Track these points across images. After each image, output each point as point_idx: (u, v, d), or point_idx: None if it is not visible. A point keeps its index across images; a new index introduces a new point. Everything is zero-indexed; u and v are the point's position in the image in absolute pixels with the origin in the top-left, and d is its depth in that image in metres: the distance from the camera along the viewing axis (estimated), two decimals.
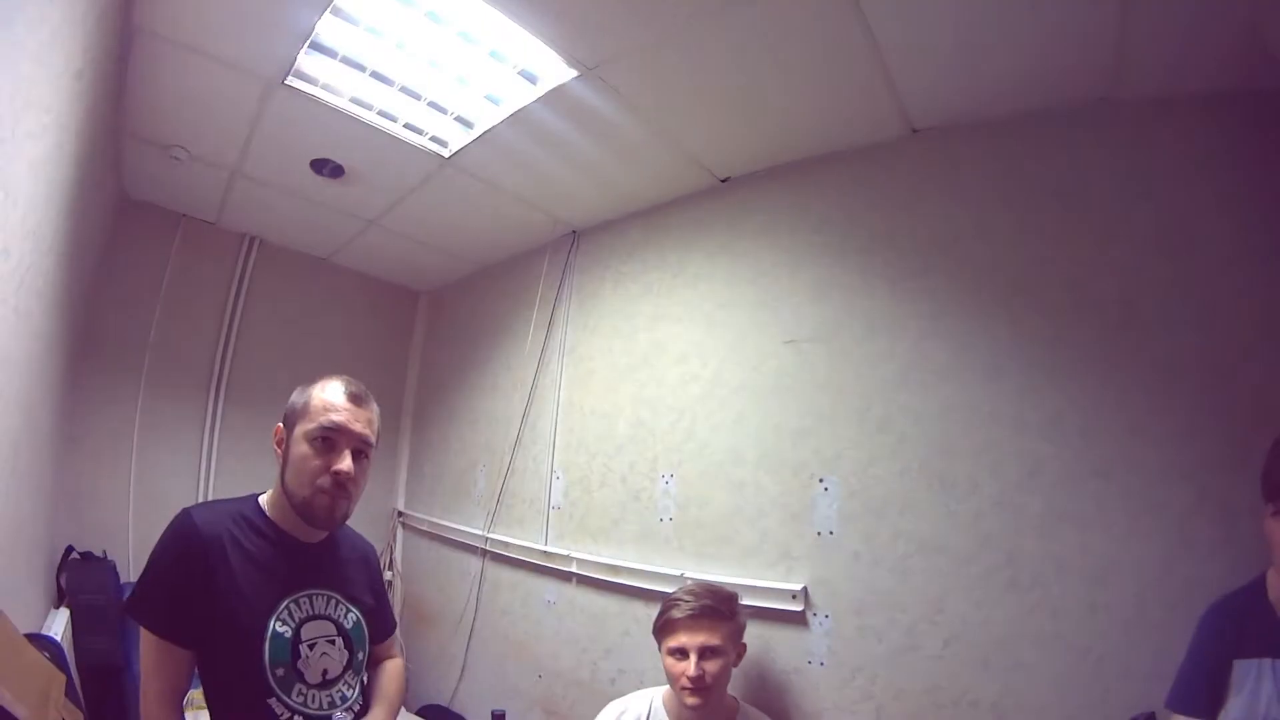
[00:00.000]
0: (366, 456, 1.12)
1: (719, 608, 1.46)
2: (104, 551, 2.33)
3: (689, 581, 1.62)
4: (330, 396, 1.09)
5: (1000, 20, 1.31)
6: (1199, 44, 1.26)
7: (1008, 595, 1.35)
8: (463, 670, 2.64)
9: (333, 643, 1.09)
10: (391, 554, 3.22)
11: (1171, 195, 1.33)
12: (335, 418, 1.07)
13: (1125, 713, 1.14)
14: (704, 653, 1.42)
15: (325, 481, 1.05)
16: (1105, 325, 1.35)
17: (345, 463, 1.07)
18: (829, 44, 1.45)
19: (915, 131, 1.69)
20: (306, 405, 1.09)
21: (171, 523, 1.04)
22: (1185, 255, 1.30)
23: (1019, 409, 1.41)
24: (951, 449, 1.47)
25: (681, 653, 1.44)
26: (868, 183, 1.76)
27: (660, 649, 1.51)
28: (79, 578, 2.19)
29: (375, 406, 1.16)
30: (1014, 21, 1.30)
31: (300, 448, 1.07)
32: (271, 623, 1.02)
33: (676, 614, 1.46)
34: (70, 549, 2.29)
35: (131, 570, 2.42)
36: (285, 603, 1.05)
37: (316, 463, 1.06)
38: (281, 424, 1.13)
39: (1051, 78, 1.44)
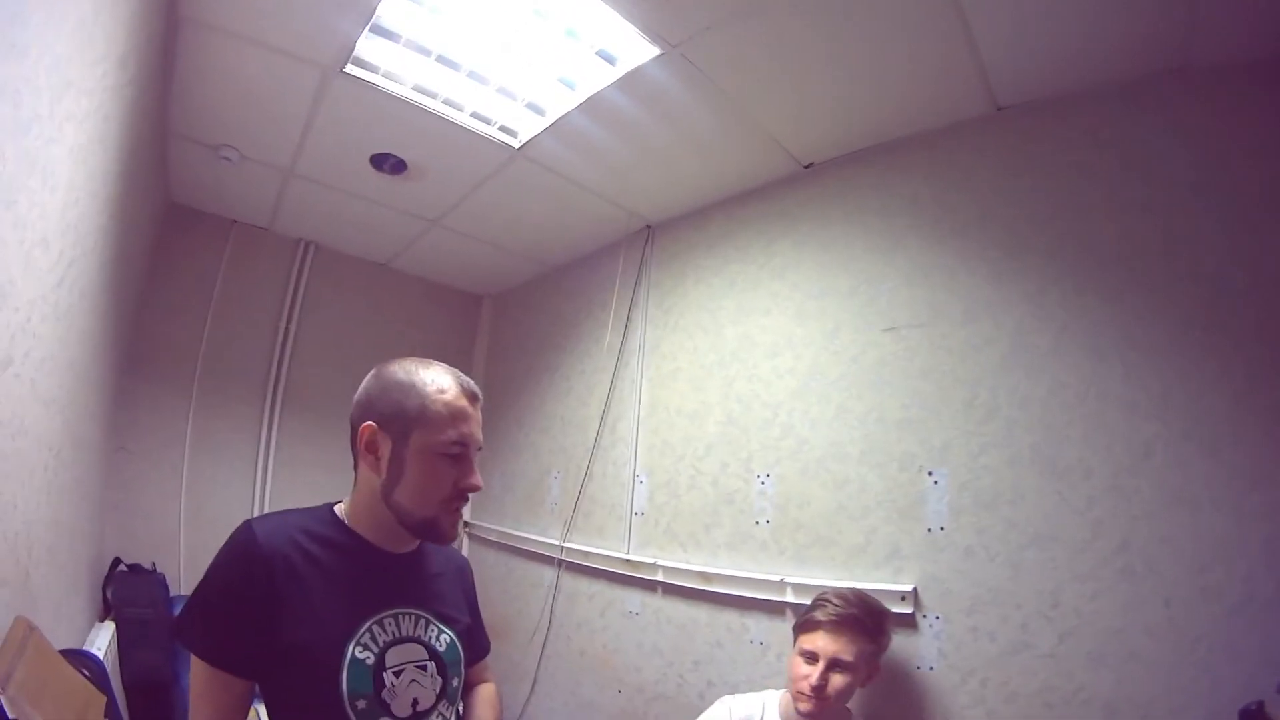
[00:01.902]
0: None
1: (865, 621, 1.57)
2: (153, 564, 2.60)
3: (846, 588, 1.70)
4: (453, 399, 1.06)
5: None
6: (1263, 6, 1.42)
7: (1121, 584, 1.48)
8: (534, 685, 2.92)
9: (423, 669, 1.07)
10: None
11: (1244, 165, 1.52)
12: (466, 430, 1.06)
13: (1234, 702, 1.22)
14: (834, 663, 1.53)
15: (457, 500, 1.06)
16: (1199, 298, 1.53)
17: (477, 477, 1.07)
18: (918, 16, 1.61)
19: (1000, 109, 1.91)
20: (424, 411, 1.04)
21: (231, 536, 1.01)
22: (1265, 225, 1.47)
23: (1126, 388, 1.58)
24: (1061, 433, 1.64)
25: (812, 656, 1.56)
26: (956, 163, 1.99)
27: (793, 645, 1.67)
28: (126, 590, 2.43)
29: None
30: None
31: (423, 464, 1.04)
32: (350, 648, 0.99)
33: (820, 615, 1.58)
34: (118, 560, 2.54)
35: (182, 583, 2.72)
36: (367, 625, 1.03)
37: (448, 481, 1.05)
38: (376, 425, 1.05)
39: (1127, 47, 1.63)
